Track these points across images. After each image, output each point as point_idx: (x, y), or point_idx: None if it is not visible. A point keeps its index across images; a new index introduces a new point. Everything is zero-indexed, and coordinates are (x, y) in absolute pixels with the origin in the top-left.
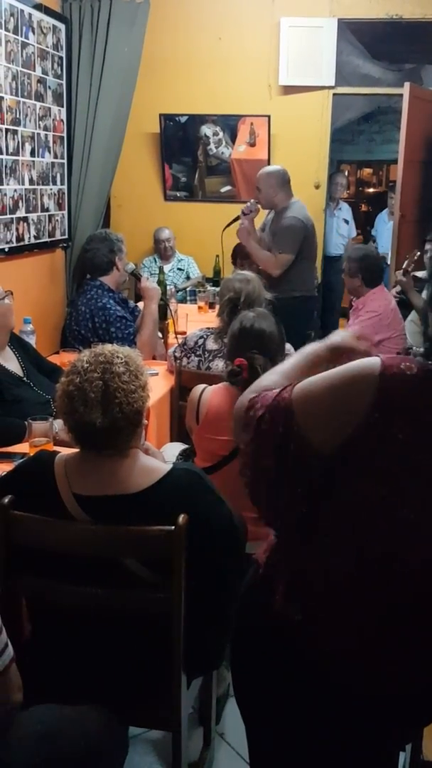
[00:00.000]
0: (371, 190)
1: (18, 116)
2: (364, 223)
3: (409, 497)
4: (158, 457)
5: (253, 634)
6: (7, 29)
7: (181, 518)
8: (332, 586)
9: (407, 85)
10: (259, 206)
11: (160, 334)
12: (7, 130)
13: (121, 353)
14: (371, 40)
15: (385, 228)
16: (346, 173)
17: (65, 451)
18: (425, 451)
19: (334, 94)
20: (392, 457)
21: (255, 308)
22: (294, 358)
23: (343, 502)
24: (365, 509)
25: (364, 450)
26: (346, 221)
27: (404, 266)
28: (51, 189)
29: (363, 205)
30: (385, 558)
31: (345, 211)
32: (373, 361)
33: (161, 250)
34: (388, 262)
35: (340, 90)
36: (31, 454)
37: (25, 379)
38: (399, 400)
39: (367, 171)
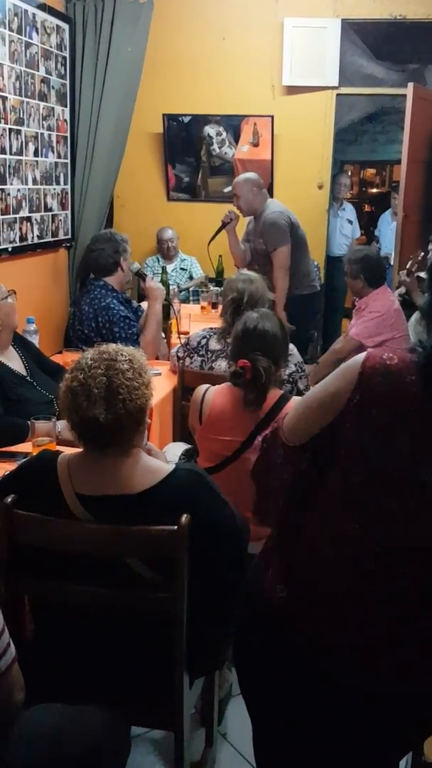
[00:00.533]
0: (374, 190)
1: (21, 116)
2: (368, 224)
3: (389, 480)
4: (160, 457)
5: (252, 624)
6: (11, 29)
7: (184, 518)
8: (314, 569)
9: (411, 85)
10: (238, 214)
11: (163, 334)
12: (10, 129)
13: (125, 352)
14: (375, 41)
15: (388, 228)
16: (350, 173)
17: (68, 451)
18: (401, 435)
19: (338, 95)
20: (371, 440)
21: (259, 309)
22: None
23: (328, 488)
24: (348, 492)
25: (346, 433)
26: (350, 221)
27: (408, 267)
28: (54, 189)
29: (366, 206)
30: (365, 541)
31: (348, 211)
32: (359, 356)
33: (164, 250)
34: (392, 263)
35: (344, 90)
36: (34, 454)
37: (28, 378)
38: (377, 387)
39: (371, 171)
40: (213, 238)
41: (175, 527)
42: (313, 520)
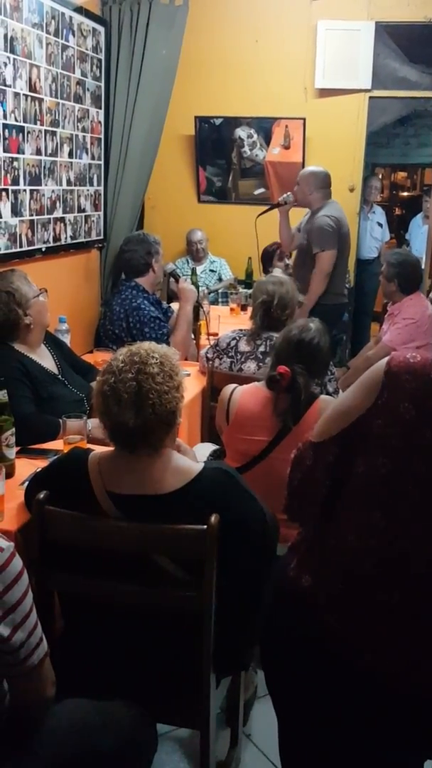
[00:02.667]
0: (405, 193)
1: (57, 118)
2: (398, 227)
3: (414, 474)
4: (189, 454)
5: (279, 619)
6: (48, 32)
7: (213, 518)
8: (340, 559)
9: None
10: (293, 200)
11: (192, 335)
12: (46, 131)
13: (157, 353)
14: (408, 43)
15: (419, 232)
16: (381, 176)
17: (98, 449)
18: (427, 429)
19: (371, 97)
20: (398, 434)
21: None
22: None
23: (355, 481)
24: (373, 484)
25: (374, 428)
26: (380, 225)
27: None
28: (88, 190)
29: (397, 209)
30: (390, 532)
31: (379, 214)
32: (382, 360)
33: (193, 252)
34: (423, 267)
35: (377, 93)
36: (65, 451)
37: (59, 377)
38: (404, 383)
39: (402, 174)
40: (264, 212)
41: (205, 527)
42: (339, 511)
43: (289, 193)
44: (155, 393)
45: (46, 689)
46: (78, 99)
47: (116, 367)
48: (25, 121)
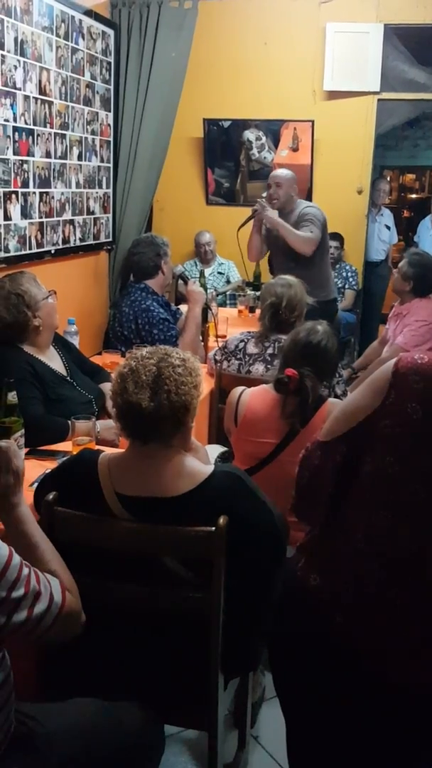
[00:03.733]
0: (414, 196)
1: (66, 120)
2: (406, 229)
3: (422, 474)
4: (201, 452)
5: (287, 618)
6: (58, 35)
7: (222, 519)
8: (348, 559)
9: None
10: (266, 204)
11: (200, 338)
12: (56, 134)
13: (181, 353)
14: (417, 46)
15: (427, 234)
16: (389, 179)
17: (108, 451)
18: None
19: (379, 100)
20: (406, 434)
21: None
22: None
23: (362, 480)
24: (381, 484)
25: (382, 428)
26: (388, 227)
27: None
28: (97, 192)
29: (405, 211)
30: (397, 532)
31: (387, 216)
32: (389, 362)
33: (201, 254)
34: None
35: (385, 95)
36: (74, 453)
37: (68, 378)
38: (413, 384)
39: (410, 176)
40: (243, 224)
41: (213, 528)
42: (347, 511)
43: (260, 199)
44: (173, 381)
45: (74, 630)
46: (87, 102)
47: (140, 354)
48: (35, 123)
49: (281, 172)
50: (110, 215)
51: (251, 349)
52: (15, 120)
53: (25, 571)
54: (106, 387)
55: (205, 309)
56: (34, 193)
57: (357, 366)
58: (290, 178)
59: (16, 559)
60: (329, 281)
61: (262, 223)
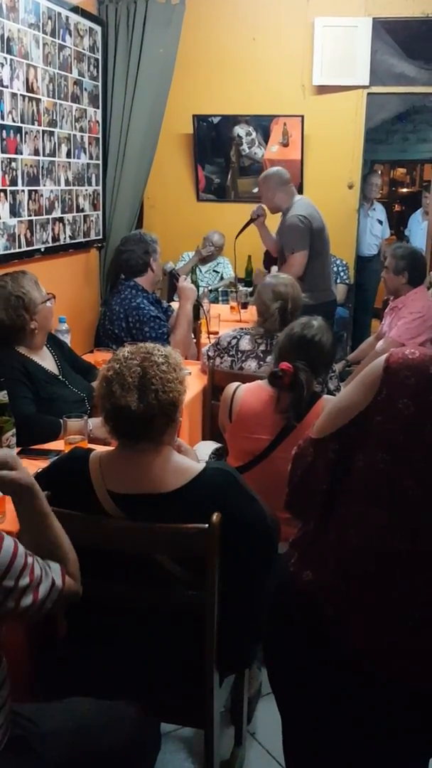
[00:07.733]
0: (405, 189)
1: (54, 118)
2: (398, 223)
3: (414, 470)
4: (190, 454)
5: (281, 614)
6: (44, 32)
7: (215, 516)
8: (340, 555)
9: None
10: (265, 209)
11: (192, 334)
12: (44, 131)
13: (161, 349)
14: (406, 39)
15: (419, 228)
16: (380, 173)
17: (100, 449)
18: (428, 425)
19: (369, 94)
20: (398, 430)
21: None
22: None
23: (354, 477)
24: (373, 481)
25: (374, 425)
26: (380, 222)
27: None
28: (86, 190)
29: (396, 205)
30: (390, 528)
31: (379, 211)
32: (381, 358)
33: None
34: None
35: (375, 89)
36: (66, 452)
37: (60, 377)
38: (404, 379)
39: (401, 171)
40: (240, 231)
41: (206, 525)
42: (339, 507)
43: (258, 205)
44: (159, 380)
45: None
46: (75, 99)
47: (122, 356)
48: (22, 121)
49: (260, 178)
50: (100, 213)
51: (244, 345)
52: (2, 118)
53: (29, 560)
54: None
55: (197, 306)
56: (23, 191)
57: (352, 359)
58: (263, 180)
59: (21, 549)
60: (320, 283)
61: (263, 225)
